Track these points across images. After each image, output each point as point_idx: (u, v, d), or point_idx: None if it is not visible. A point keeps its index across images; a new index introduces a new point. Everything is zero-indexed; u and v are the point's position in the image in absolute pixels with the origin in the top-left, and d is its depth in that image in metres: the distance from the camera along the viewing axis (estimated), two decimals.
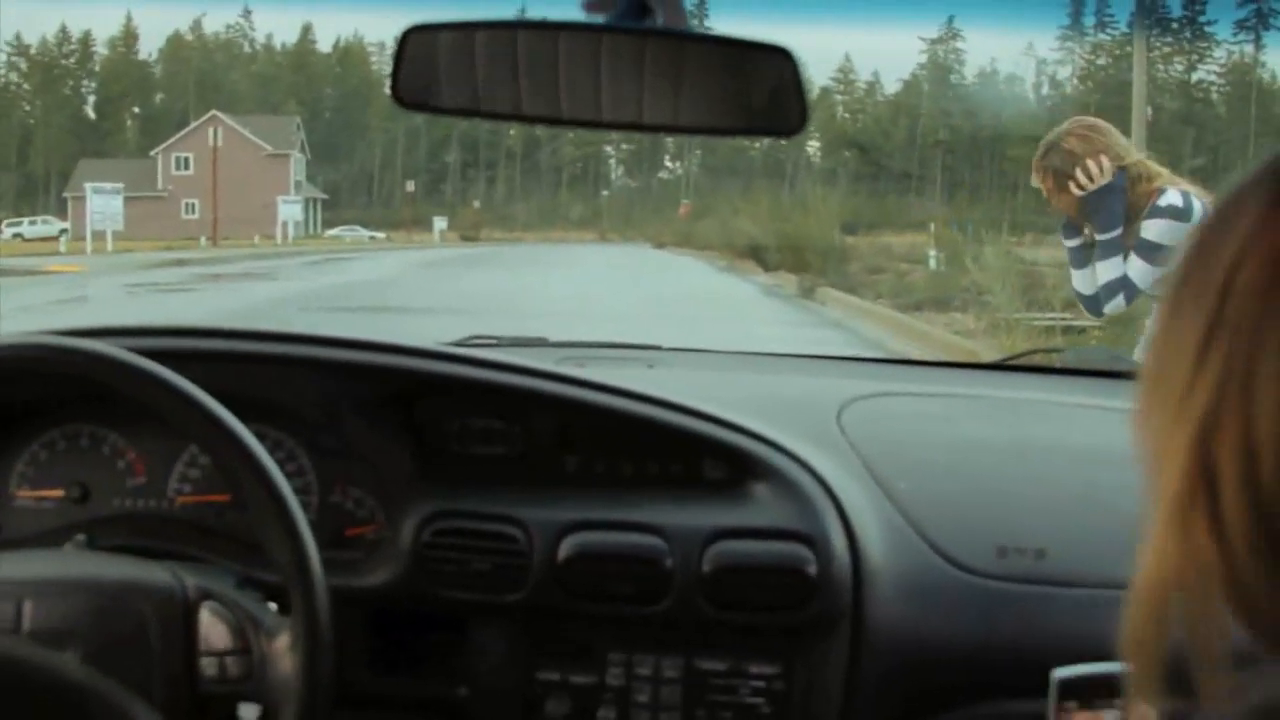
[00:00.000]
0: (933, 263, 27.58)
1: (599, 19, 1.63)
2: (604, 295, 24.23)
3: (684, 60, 1.63)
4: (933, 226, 37.31)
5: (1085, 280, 5.20)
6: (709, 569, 2.12)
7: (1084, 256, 5.17)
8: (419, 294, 23.18)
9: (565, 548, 2.15)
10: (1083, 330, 16.38)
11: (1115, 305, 5.05)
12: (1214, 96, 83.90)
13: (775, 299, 25.81)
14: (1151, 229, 4.87)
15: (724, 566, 2.12)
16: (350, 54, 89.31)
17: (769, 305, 24.32)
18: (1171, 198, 4.83)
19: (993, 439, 2.53)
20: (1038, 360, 3.45)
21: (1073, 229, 5.17)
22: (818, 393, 2.65)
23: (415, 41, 1.64)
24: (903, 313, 20.09)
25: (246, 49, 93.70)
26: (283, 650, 1.81)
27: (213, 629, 1.83)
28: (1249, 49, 77.16)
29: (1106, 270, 5.04)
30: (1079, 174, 4.94)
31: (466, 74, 1.64)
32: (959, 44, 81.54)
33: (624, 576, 2.14)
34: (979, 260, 21.15)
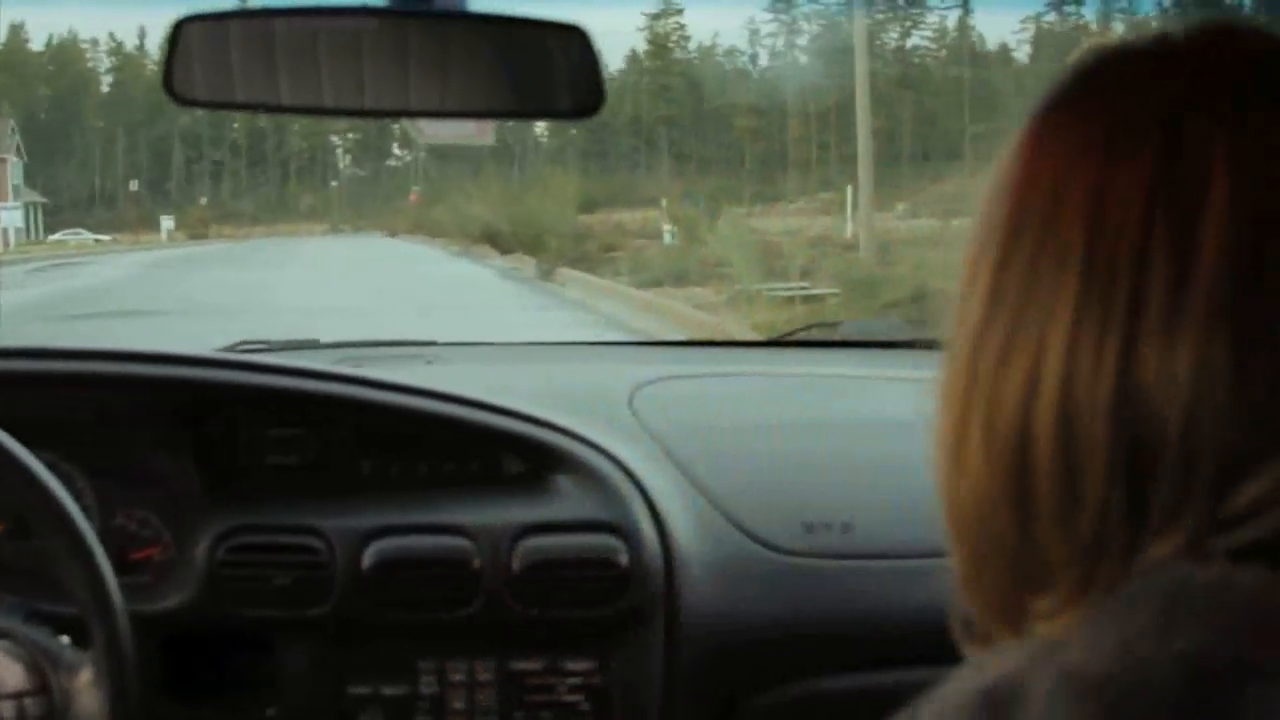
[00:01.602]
0: (668, 238, 27.83)
1: (374, 2, 1.57)
2: (339, 288, 23.96)
3: (483, 45, 1.58)
4: (665, 202, 37.66)
5: None
6: (518, 567, 2.08)
7: None
8: (155, 296, 22.67)
9: (369, 555, 2.09)
10: (821, 298, 16.69)
11: None
12: (929, 62, 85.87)
13: (513, 282, 25.77)
14: None
15: (534, 563, 2.08)
16: (65, 51, 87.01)
17: (507, 289, 24.26)
18: None
19: (786, 416, 2.52)
20: (818, 335, 3.46)
21: None
22: (604, 380, 2.62)
23: (186, 34, 1.57)
24: (642, 289, 20.20)
25: None
26: (85, 687, 1.72)
27: (6, 669, 1.72)
28: (958, 14, 79.18)
29: None
30: None
31: (225, 66, 1.57)
32: (679, 19, 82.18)
33: (431, 580, 2.09)
34: (714, 233, 21.39)
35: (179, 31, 1.57)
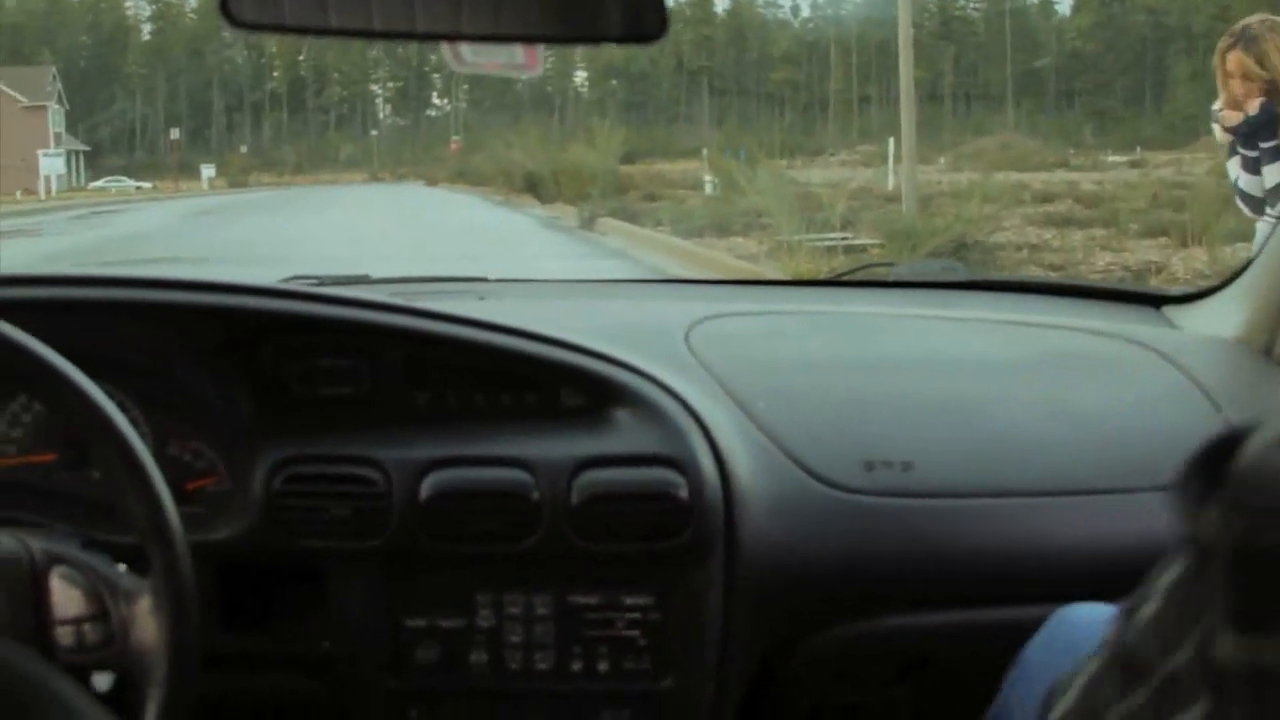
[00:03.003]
0: (709, 188, 27.79)
1: None
2: (381, 236, 23.98)
3: None
4: (705, 152, 37.62)
5: (1254, 183, 5.79)
6: (578, 500, 2.05)
7: (1257, 162, 5.77)
8: (194, 244, 22.70)
9: (427, 487, 2.06)
10: (864, 248, 16.63)
11: None
12: (971, 14, 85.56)
13: (555, 231, 25.77)
14: None
15: (593, 496, 2.06)
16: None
17: (549, 238, 24.24)
18: None
19: (844, 354, 2.50)
20: (872, 275, 3.43)
21: (1255, 131, 5.74)
22: (660, 316, 2.60)
23: None
24: (684, 239, 20.16)
25: None
26: (144, 613, 1.70)
27: (66, 595, 1.71)
28: None
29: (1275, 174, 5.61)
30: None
31: None
32: None
33: (490, 513, 2.07)
34: (754, 184, 21.33)
35: None
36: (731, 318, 2.59)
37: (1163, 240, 17.31)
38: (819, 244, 16.59)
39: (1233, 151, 6.00)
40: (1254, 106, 5.73)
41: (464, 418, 2.18)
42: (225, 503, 2.16)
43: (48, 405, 2.11)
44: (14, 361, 1.69)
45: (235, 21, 1.59)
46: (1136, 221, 19.55)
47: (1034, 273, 15.31)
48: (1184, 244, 16.29)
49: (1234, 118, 5.86)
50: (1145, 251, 16.55)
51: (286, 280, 2.80)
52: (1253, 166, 5.89)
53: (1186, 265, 14.76)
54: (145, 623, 1.69)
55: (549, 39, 1.70)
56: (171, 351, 2.20)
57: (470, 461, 2.09)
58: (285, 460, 2.11)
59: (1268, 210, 5.79)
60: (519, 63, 1.85)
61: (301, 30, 1.60)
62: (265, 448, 2.13)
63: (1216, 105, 5.99)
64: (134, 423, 2.17)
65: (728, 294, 3.21)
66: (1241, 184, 5.96)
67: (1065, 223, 20.51)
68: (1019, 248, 17.58)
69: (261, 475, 2.11)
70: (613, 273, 16.57)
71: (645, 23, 1.60)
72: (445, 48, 1.72)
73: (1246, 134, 5.88)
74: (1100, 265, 15.70)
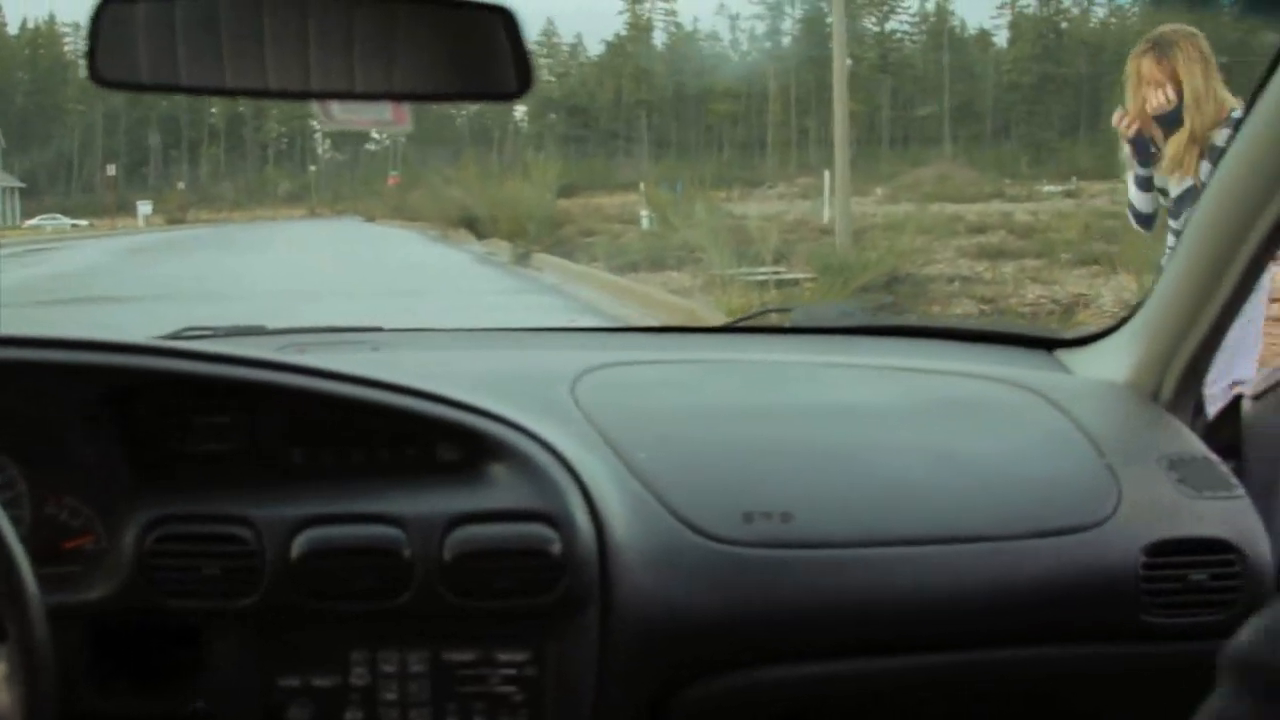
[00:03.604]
0: (645, 223, 27.84)
1: None
2: (316, 273, 23.93)
3: (396, 24, 1.55)
4: (643, 186, 37.68)
5: (1146, 200, 5.81)
6: (450, 556, 2.05)
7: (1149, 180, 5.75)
8: (128, 282, 22.62)
9: (298, 545, 2.05)
10: (796, 282, 16.70)
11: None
12: (907, 47, 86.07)
13: (490, 266, 25.78)
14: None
15: (466, 553, 2.05)
16: (41, 36, 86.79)
17: (484, 273, 24.25)
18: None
19: (731, 403, 2.50)
20: (768, 321, 3.43)
21: (1145, 146, 5.71)
22: (549, 366, 2.59)
23: (111, 16, 1.54)
24: (618, 274, 20.21)
25: None
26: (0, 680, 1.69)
27: None
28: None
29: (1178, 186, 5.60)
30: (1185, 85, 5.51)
31: (167, 47, 1.54)
32: (660, 3, 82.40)
33: (362, 570, 2.06)
34: (691, 218, 21.40)
35: (101, 14, 1.55)
36: (622, 367, 2.59)
37: (1095, 268, 17.47)
38: (751, 278, 16.65)
39: (1130, 165, 5.86)
40: (1156, 109, 5.59)
41: (339, 474, 2.17)
42: (99, 562, 2.14)
43: None
44: None
45: (101, 80, 1.59)
46: (1069, 251, 19.73)
47: (965, 305, 15.41)
48: (1115, 271, 16.44)
49: (1134, 129, 5.72)
50: (1076, 282, 16.69)
51: (178, 333, 2.79)
52: (1144, 184, 5.81)
53: (1116, 296, 14.89)
54: (1, 690, 1.68)
55: (414, 97, 1.70)
56: (50, 409, 2.18)
57: (342, 519, 2.08)
58: (157, 519, 2.09)
59: (1169, 226, 5.76)
60: (387, 119, 1.85)
61: (158, 88, 1.60)
62: (139, 506, 2.12)
63: (1116, 115, 5.82)
64: (12, 480, 2.17)
65: (622, 342, 3.21)
66: (1134, 200, 5.87)
67: (998, 254, 20.68)
68: (950, 280, 17.71)
69: (134, 534, 2.09)
70: (544, 309, 16.60)
71: (504, 80, 1.61)
72: (316, 104, 1.73)
73: (1143, 146, 5.77)
74: (1030, 298, 15.82)
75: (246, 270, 24.89)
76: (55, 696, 1.66)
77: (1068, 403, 2.46)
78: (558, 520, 2.06)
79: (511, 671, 2.10)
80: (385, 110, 1.78)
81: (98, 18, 1.55)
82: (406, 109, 1.87)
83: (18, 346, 2.17)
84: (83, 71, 1.60)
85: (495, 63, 1.60)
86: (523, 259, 25.34)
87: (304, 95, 1.57)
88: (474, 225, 34.08)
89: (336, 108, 1.72)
